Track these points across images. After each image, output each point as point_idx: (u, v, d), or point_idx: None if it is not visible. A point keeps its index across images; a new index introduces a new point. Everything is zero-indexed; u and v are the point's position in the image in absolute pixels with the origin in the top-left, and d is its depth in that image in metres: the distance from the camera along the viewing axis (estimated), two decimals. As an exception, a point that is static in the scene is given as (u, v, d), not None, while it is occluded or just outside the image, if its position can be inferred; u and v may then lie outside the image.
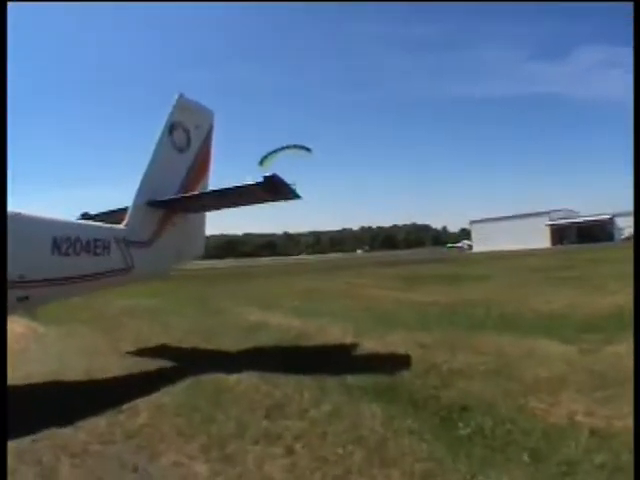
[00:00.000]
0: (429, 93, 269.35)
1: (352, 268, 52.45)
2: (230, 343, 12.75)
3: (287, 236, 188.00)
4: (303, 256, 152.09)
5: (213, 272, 59.23)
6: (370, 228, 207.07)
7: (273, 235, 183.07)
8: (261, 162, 37.71)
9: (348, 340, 12.38)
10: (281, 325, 15.10)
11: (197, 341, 13.36)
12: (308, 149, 37.57)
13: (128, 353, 12.26)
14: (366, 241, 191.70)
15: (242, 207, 11.58)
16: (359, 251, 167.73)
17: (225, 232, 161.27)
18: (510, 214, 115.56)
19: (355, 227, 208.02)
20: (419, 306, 17.84)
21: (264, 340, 12.94)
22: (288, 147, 38.51)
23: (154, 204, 11.26)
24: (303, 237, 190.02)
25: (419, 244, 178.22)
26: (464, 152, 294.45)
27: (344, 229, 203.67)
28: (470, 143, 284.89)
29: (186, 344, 13.14)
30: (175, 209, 11.74)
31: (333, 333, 13.40)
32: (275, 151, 37.60)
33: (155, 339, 13.90)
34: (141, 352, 12.31)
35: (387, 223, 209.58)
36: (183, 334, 14.44)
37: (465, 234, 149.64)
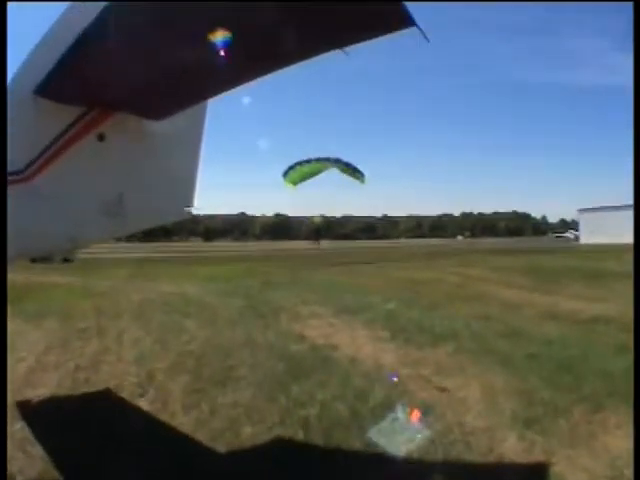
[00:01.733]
0: (524, 78, 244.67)
1: (458, 255, 43.52)
2: (232, 413, 5.46)
3: (386, 219, 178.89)
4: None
5: (304, 253, 52.36)
6: (471, 214, 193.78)
7: (372, 218, 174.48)
8: (286, 173, 29.00)
9: (519, 449, 4.71)
10: (359, 359, 7.61)
11: (177, 390, 6.23)
12: (360, 173, 28.37)
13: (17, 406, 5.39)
14: (467, 227, 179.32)
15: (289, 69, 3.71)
16: (459, 237, 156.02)
17: (325, 214, 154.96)
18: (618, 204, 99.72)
19: (456, 213, 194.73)
20: (600, 328, 9.86)
21: (311, 409, 5.54)
22: (330, 161, 29.22)
23: (50, 89, 3.89)
24: (403, 220, 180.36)
25: (519, 232, 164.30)
26: (558, 139, 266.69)
27: (444, 214, 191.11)
28: (563, 130, 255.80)
29: (147, 402, 5.97)
30: (107, 96, 4.35)
31: (468, 404, 5.75)
32: (309, 162, 26.52)
33: (112, 373, 7.03)
34: (38, 414, 5.43)
35: (488, 210, 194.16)
36: (172, 364, 7.37)
37: (563, 224, 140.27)
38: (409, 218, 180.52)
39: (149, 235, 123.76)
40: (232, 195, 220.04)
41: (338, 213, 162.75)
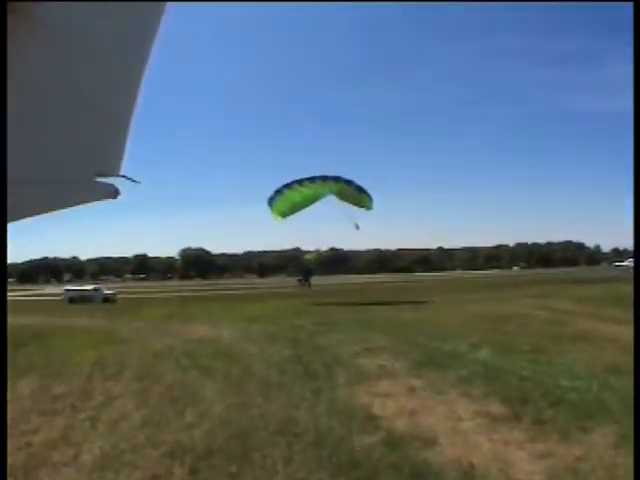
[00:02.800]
0: (569, 108, 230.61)
1: (526, 286, 38.98)
2: None
3: (442, 251, 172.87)
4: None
5: (361, 288, 48.82)
6: (526, 244, 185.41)
7: (427, 250, 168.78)
8: (272, 200, 18.05)
9: None
10: (476, 469, 4.19)
11: None
12: (365, 195, 22.80)
13: None
14: (522, 258, 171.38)
15: None
16: (515, 268, 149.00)
17: (379, 247, 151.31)
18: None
19: (511, 243, 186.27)
20: None
21: None
22: (327, 180, 18.77)
23: None
24: (458, 252, 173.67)
25: (574, 262, 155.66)
26: (610, 167, 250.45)
27: (500, 245, 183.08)
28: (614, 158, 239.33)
29: None
30: None
31: None
32: (300, 183, 18.97)
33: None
34: None
35: (542, 240, 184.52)
36: (148, 478, 4.16)
37: (617, 254, 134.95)
38: (464, 250, 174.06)
39: (203, 273, 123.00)
40: (286, 229, 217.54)
41: (393, 246, 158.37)
